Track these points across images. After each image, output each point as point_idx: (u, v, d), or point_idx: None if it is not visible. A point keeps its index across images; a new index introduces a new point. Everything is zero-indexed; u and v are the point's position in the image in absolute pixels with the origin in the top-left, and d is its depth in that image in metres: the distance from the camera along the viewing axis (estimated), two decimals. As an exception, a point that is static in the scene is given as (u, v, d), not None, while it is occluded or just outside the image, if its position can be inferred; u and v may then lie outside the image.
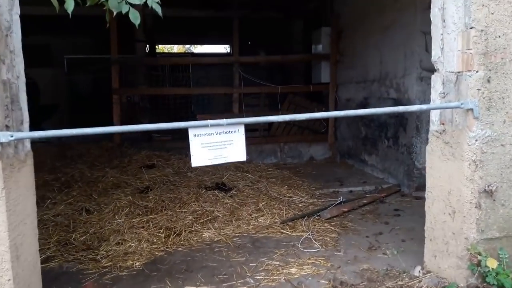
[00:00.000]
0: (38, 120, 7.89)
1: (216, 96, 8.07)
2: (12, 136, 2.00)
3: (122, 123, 6.70)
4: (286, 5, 8.27)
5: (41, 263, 3.38)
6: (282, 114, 7.10)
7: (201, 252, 3.55)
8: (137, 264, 3.33)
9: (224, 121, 2.55)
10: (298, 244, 3.63)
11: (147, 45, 11.25)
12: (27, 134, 2.16)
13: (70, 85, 9.43)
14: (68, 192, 4.67)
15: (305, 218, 4.17)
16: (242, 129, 2.65)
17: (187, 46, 17.91)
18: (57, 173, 5.36)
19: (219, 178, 5.35)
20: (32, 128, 2.37)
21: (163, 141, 6.91)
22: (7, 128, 2.05)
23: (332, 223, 4.12)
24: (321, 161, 7.03)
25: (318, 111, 7.08)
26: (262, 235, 3.87)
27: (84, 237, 3.76)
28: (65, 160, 6.09)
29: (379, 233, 3.89)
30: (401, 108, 3.49)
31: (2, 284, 2.05)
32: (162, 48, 19.08)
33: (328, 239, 3.72)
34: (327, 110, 7.13)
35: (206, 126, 2.48)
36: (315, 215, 4.27)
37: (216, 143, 2.58)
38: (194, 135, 2.53)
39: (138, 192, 4.81)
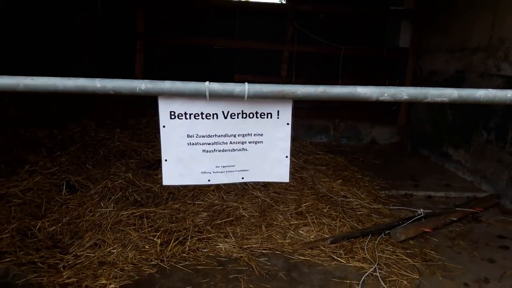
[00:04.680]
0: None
1: (262, 54, 6.65)
2: None
3: (145, 76, 5.53)
4: None
5: (-17, 263, 2.39)
6: (342, 83, 5.62)
7: (209, 276, 2.37)
8: (111, 286, 2.21)
9: (245, 86, 1.26)
10: (358, 286, 2.34)
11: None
12: None
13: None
14: (56, 157, 3.61)
15: (368, 237, 2.86)
16: (287, 111, 1.35)
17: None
18: (55, 128, 4.33)
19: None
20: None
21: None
22: None
23: (409, 251, 2.77)
24: (385, 146, 5.54)
25: (390, 85, 5.54)
26: (303, 258, 2.61)
27: (54, 227, 2.69)
28: (74, 111, 5.05)
29: (484, 279, 2.51)
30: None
31: None
32: None
33: (405, 283, 2.40)
34: (401, 84, 5.55)
35: (199, 95, 1.21)
36: (383, 234, 2.94)
37: (223, 139, 1.32)
38: (172, 115, 1.28)
39: (146, 166, 3.67)
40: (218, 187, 3.35)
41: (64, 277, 2.24)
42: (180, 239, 2.63)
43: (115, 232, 2.62)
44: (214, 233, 2.75)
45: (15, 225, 2.65)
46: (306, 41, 5.83)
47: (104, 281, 2.23)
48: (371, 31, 7.33)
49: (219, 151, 1.36)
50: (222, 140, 1.36)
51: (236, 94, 1.27)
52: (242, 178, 1.39)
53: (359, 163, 4.57)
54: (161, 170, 3.67)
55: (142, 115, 5.15)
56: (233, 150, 1.36)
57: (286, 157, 1.40)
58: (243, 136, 1.36)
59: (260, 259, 2.56)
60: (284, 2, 12.01)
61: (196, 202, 3.12)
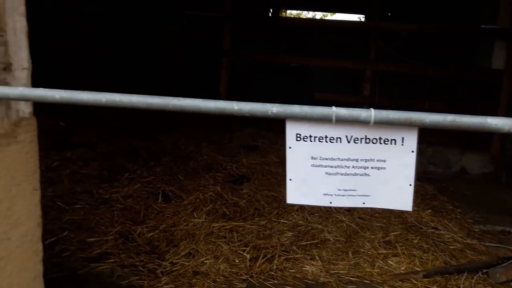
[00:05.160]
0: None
1: (339, 72, 6.60)
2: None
3: (231, 95, 5.76)
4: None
5: (92, 261, 2.61)
6: (430, 104, 5.40)
7: (298, 298, 2.38)
8: (205, 296, 2.31)
9: (371, 112, 1.27)
10: (457, 327, 2.20)
11: (270, 9, 10.14)
12: (15, 90, 1.17)
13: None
14: (152, 167, 3.89)
15: (463, 275, 2.67)
16: (413, 138, 1.34)
17: (317, 15, 16.42)
18: (149, 140, 4.67)
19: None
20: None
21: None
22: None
23: (511, 295, 2.55)
24: (476, 176, 5.15)
25: (481, 109, 5.19)
26: (394, 290, 2.52)
27: (151, 233, 2.89)
28: (165, 125, 5.40)
29: None
30: None
31: None
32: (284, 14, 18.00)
33: (511, 331, 2.20)
34: (495, 109, 5.17)
35: (327, 119, 1.23)
36: (480, 273, 2.73)
37: (346, 163, 1.33)
38: (298, 137, 1.31)
39: (231, 181, 3.81)
40: (302, 207, 3.36)
41: (163, 282, 2.39)
42: (268, 256, 2.68)
43: (208, 243, 2.74)
44: (300, 254, 2.76)
45: (117, 228, 2.89)
46: (387, 59, 5.71)
47: (199, 290, 2.34)
48: (459, 50, 6.96)
49: (342, 174, 1.37)
50: (345, 164, 1.37)
51: (362, 119, 1.29)
52: (363, 203, 1.39)
53: (448, 193, 4.30)
54: (246, 185, 3.78)
55: (225, 131, 5.36)
56: (355, 174, 1.37)
57: (410, 185, 1.38)
58: (365, 161, 1.37)
59: (348, 286, 2.52)
60: (362, 19, 11.86)
61: (281, 221, 3.16)
